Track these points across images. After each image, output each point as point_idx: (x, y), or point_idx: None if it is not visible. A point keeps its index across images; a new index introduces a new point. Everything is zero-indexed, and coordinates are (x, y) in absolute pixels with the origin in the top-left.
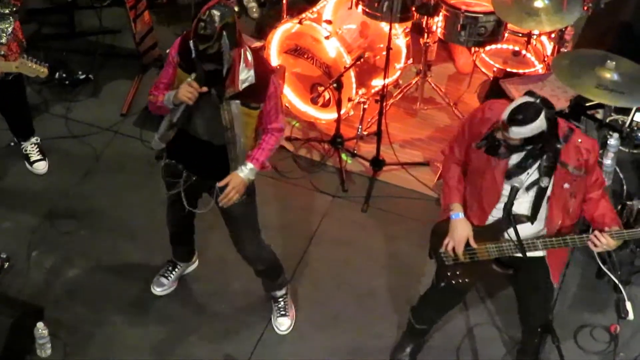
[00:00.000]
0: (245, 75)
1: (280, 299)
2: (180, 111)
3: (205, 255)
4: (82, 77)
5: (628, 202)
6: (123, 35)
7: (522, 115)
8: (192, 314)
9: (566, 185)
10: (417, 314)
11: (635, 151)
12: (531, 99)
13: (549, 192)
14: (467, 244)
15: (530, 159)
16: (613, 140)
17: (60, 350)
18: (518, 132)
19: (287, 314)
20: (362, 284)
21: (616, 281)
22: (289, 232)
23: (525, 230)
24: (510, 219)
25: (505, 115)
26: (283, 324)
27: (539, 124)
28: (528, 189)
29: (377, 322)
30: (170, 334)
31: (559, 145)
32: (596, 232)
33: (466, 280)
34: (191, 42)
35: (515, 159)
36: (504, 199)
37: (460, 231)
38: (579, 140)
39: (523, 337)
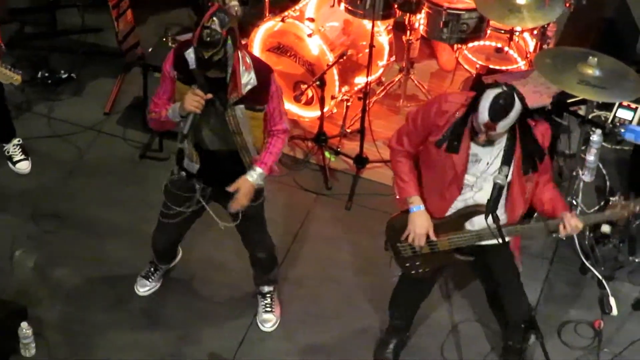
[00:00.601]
0: (247, 78)
1: (268, 295)
2: (190, 121)
3: (189, 253)
4: (65, 76)
5: (611, 198)
6: (105, 34)
7: (503, 106)
8: (177, 312)
9: None
10: (391, 310)
11: (617, 147)
12: (497, 89)
13: (509, 179)
14: (428, 236)
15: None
16: (596, 137)
17: (44, 350)
18: (505, 125)
19: (273, 310)
20: (347, 281)
21: (600, 277)
22: (272, 230)
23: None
24: (494, 216)
25: (484, 116)
26: (268, 321)
27: (518, 107)
28: (489, 177)
29: (362, 318)
30: (154, 332)
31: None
32: (566, 214)
33: (426, 270)
34: (189, 52)
35: (474, 150)
36: (466, 190)
37: (421, 224)
38: (533, 125)
39: (504, 332)
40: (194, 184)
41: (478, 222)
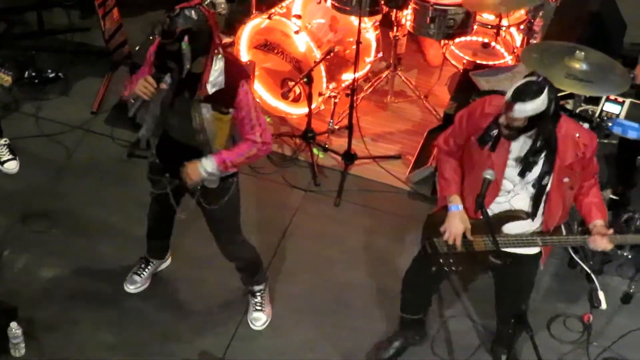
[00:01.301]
0: (215, 80)
1: (258, 294)
2: (137, 105)
3: (178, 251)
4: (52, 75)
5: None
6: (93, 33)
7: (526, 91)
8: (167, 311)
9: (566, 179)
10: (406, 306)
11: (605, 141)
12: (534, 78)
13: (548, 188)
14: (464, 235)
15: (533, 152)
16: None
17: (34, 350)
18: (521, 110)
19: (264, 309)
20: (337, 278)
21: (588, 271)
22: (262, 228)
23: (525, 226)
24: (484, 211)
25: (509, 94)
26: (259, 320)
27: (542, 101)
28: (528, 184)
29: (353, 315)
30: (144, 331)
31: (553, 130)
32: (597, 236)
33: (460, 268)
34: None
35: (515, 152)
36: (502, 194)
37: (458, 223)
38: (577, 135)
39: (498, 327)
40: (163, 171)
41: (512, 229)
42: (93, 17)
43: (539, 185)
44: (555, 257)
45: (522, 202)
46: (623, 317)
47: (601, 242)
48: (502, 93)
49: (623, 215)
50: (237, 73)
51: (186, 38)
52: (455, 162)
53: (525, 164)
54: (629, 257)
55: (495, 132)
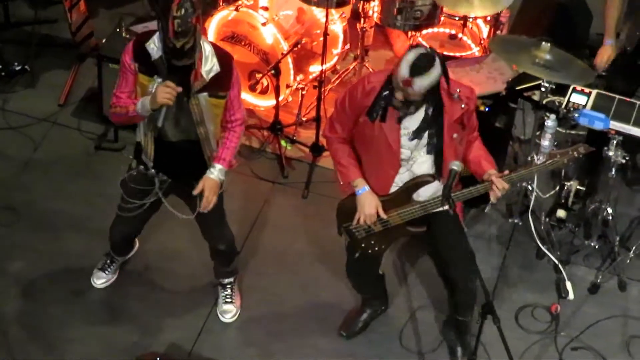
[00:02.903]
0: (210, 65)
1: (228, 286)
2: (163, 114)
3: (146, 244)
4: (18, 68)
5: (566, 183)
6: (59, 25)
7: (421, 64)
8: (135, 304)
9: (455, 135)
10: (353, 285)
11: (572, 132)
12: (419, 49)
13: (441, 146)
14: (378, 215)
15: (427, 119)
16: (550, 122)
17: (3, 346)
18: (421, 84)
19: (233, 301)
20: (305, 269)
21: (556, 261)
22: (230, 220)
23: (434, 188)
24: (450, 201)
25: (403, 72)
26: (229, 312)
27: (437, 71)
28: (423, 148)
29: (321, 305)
30: (113, 324)
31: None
32: (492, 178)
33: (382, 247)
34: (149, 43)
35: (406, 121)
36: (404, 164)
37: (369, 205)
38: (458, 90)
39: (455, 299)
40: (153, 177)
41: (424, 193)
42: (59, 8)
43: (434, 146)
44: (522, 247)
45: (423, 166)
46: (590, 307)
47: (499, 184)
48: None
49: (590, 205)
50: (225, 53)
51: (198, 26)
52: (347, 147)
53: (419, 129)
54: (596, 247)
55: (382, 103)
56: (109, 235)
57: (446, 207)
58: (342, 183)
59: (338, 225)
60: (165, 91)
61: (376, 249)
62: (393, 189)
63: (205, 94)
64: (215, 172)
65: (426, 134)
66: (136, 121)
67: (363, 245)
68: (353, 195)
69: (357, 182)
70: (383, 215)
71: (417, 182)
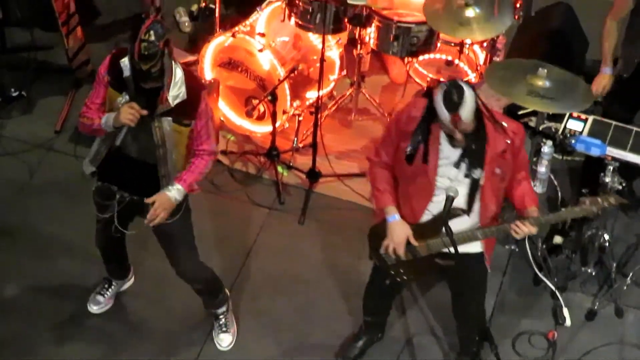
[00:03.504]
0: (177, 92)
1: (221, 316)
2: (123, 134)
3: (142, 271)
4: (15, 93)
5: (563, 209)
6: (55, 51)
7: (454, 97)
8: (130, 331)
9: (497, 170)
10: (364, 304)
11: (568, 158)
12: (442, 87)
13: (482, 181)
14: (408, 243)
15: (468, 149)
16: (547, 148)
17: None
18: (467, 112)
19: (229, 330)
20: (302, 295)
21: (553, 288)
22: (226, 246)
23: (463, 223)
24: (448, 230)
25: (444, 113)
26: (224, 340)
27: (470, 95)
28: (463, 179)
29: (318, 331)
30: (108, 352)
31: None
32: (517, 222)
33: (411, 277)
34: (124, 60)
35: (445, 149)
36: (439, 192)
37: (399, 233)
38: (505, 124)
39: (459, 336)
40: (114, 193)
41: (455, 226)
42: (56, 35)
43: (472, 179)
44: (519, 273)
45: (460, 199)
46: (587, 334)
47: (522, 227)
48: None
49: (587, 232)
50: (196, 83)
51: (166, 51)
52: (387, 173)
53: (460, 158)
54: (593, 273)
55: (419, 139)
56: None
57: (476, 249)
58: (375, 208)
59: (369, 249)
60: (129, 112)
61: (404, 277)
62: (426, 217)
63: (169, 118)
64: (173, 191)
65: (466, 164)
66: (100, 134)
67: (393, 272)
68: (385, 220)
69: (389, 209)
70: (414, 243)
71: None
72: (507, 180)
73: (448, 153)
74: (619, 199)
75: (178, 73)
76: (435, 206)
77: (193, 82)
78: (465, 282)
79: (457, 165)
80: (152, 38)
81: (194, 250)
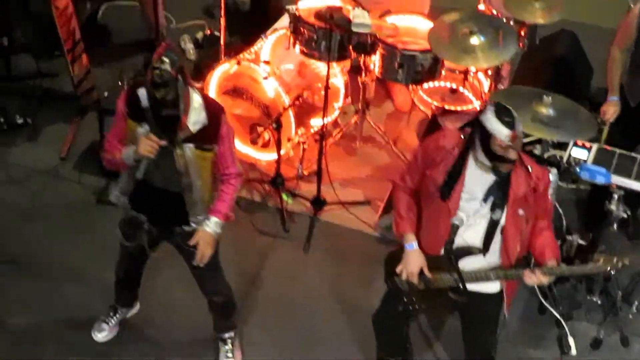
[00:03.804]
0: (197, 117)
1: (229, 340)
2: (144, 166)
3: (148, 298)
4: (20, 120)
5: (568, 237)
6: (61, 79)
7: (507, 113)
8: (135, 358)
9: (521, 212)
10: (383, 348)
11: (573, 186)
12: (489, 109)
13: (502, 222)
14: (422, 272)
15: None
16: (552, 176)
17: None
18: (519, 127)
19: (234, 356)
20: (306, 324)
21: (558, 316)
22: (231, 274)
23: (478, 262)
24: (450, 257)
25: (503, 131)
26: None
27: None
28: (483, 216)
29: None
30: None
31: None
32: (531, 270)
33: (423, 306)
34: (141, 91)
35: (469, 183)
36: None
37: (414, 262)
38: (530, 168)
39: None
40: (141, 222)
41: (469, 264)
42: (61, 62)
43: (491, 218)
44: (524, 301)
45: (476, 235)
46: None
47: (533, 277)
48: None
49: (592, 260)
50: (216, 107)
51: (180, 78)
52: (411, 199)
53: (486, 195)
54: (598, 302)
55: (454, 173)
56: (115, 271)
57: (493, 290)
58: (395, 232)
59: (385, 273)
60: (147, 144)
61: (416, 306)
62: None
63: (191, 145)
64: (211, 225)
65: (488, 203)
66: (123, 168)
67: (405, 299)
68: (403, 247)
69: (407, 236)
70: (428, 275)
71: (466, 251)
72: (530, 224)
73: (471, 188)
74: (634, 262)
75: (196, 98)
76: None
77: (212, 106)
78: (477, 319)
79: (480, 202)
80: (165, 66)
81: (220, 271)
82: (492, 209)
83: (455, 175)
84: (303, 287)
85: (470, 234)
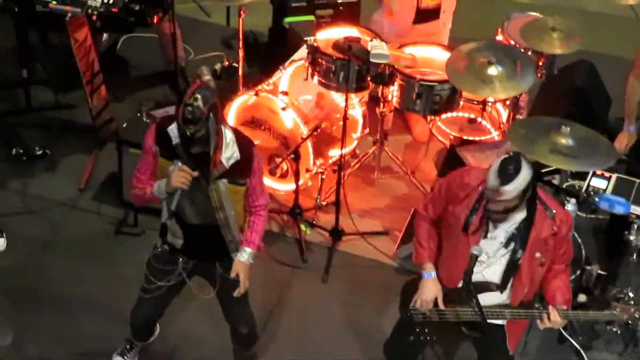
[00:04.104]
0: (230, 153)
1: None
2: (177, 198)
3: (167, 327)
4: (39, 152)
5: (587, 267)
6: (79, 110)
7: (507, 171)
8: None
9: (538, 255)
10: None
11: (592, 216)
12: (506, 155)
13: (520, 261)
14: (436, 304)
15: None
16: (570, 206)
17: None
18: (511, 190)
19: None
20: (324, 355)
21: (578, 347)
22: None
23: (494, 298)
24: (470, 287)
25: (491, 181)
26: None
27: (526, 172)
28: (502, 257)
29: None
30: None
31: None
32: (547, 312)
33: (434, 338)
34: (172, 128)
35: (490, 227)
36: (478, 264)
37: (429, 291)
38: (554, 211)
39: None
40: (177, 258)
41: (485, 299)
42: (80, 94)
43: (511, 258)
44: (544, 331)
45: (495, 273)
46: None
47: (553, 317)
48: None
49: (611, 290)
50: (247, 141)
51: (212, 116)
52: (432, 229)
53: (508, 237)
54: (618, 332)
55: (474, 218)
56: (131, 319)
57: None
58: (414, 260)
59: (400, 301)
60: (180, 175)
61: (428, 338)
62: (462, 283)
63: (224, 180)
64: (246, 256)
65: (511, 243)
66: (154, 202)
67: (418, 330)
68: (421, 276)
69: (426, 266)
70: (442, 306)
71: (484, 286)
72: (546, 268)
73: (492, 229)
74: None
75: (228, 134)
76: (473, 276)
77: (243, 141)
78: (492, 348)
79: (499, 244)
80: (198, 102)
81: (247, 304)
82: (514, 251)
83: (478, 207)
84: (321, 317)
85: (490, 272)
